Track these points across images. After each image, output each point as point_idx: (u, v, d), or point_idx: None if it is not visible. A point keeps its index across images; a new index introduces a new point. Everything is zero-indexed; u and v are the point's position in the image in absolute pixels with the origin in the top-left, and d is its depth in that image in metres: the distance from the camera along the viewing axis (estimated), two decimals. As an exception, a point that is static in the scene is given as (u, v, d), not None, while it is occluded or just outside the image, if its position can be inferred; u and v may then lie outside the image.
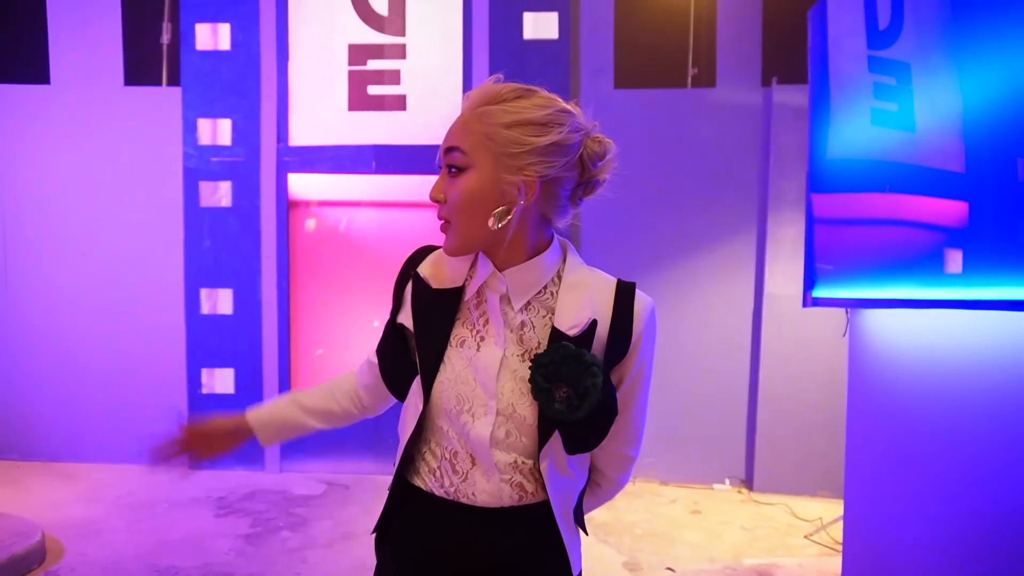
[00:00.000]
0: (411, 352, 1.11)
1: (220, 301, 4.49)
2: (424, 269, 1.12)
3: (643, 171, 4.33)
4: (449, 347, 1.06)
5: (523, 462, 1.04)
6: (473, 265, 1.09)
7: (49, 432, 4.60)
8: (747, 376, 4.35)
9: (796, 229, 4.15)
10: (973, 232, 2.28)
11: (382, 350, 1.17)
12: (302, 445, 4.50)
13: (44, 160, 4.52)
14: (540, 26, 4.32)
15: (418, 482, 1.10)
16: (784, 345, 4.21)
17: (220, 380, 4.50)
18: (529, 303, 1.05)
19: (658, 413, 4.42)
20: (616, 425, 1.08)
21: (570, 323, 1.02)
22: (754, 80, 4.27)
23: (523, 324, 1.04)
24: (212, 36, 4.40)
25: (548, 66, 4.32)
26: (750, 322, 4.32)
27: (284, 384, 4.48)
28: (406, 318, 1.12)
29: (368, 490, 4.25)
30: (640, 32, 5.17)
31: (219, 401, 4.49)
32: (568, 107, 1.07)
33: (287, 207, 4.46)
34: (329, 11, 4.42)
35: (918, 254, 2.64)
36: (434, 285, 1.10)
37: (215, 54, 4.42)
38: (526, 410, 1.02)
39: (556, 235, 1.11)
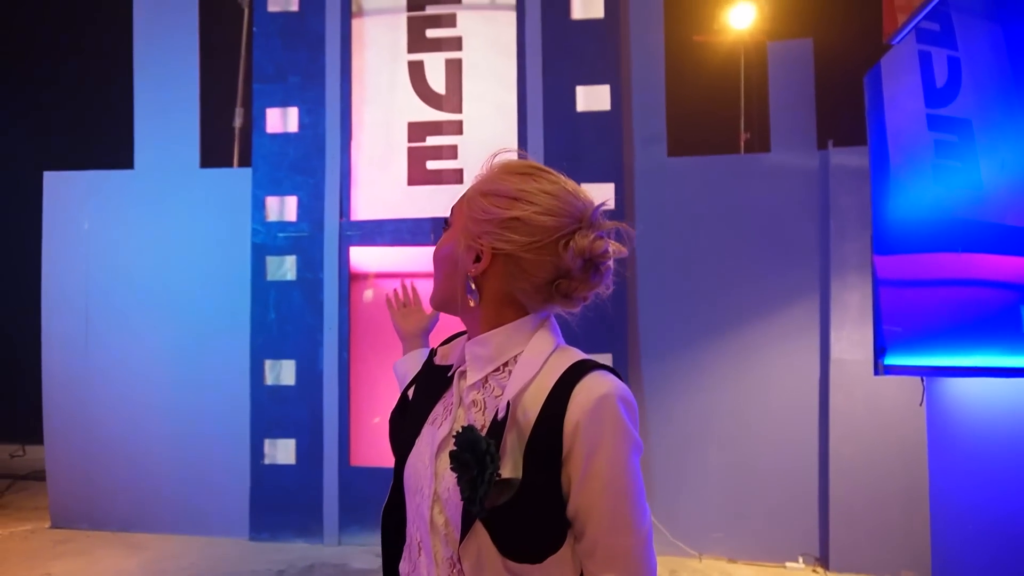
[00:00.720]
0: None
1: (283, 372, 4.59)
2: (441, 348, 1.12)
3: (700, 238, 4.31)
4: (425, 423, 1.04)
5: (459, 560, 0.93)
6: None
7: (118, 502, 4.71)
8: (817, 446, 4.17)
9: (861, 293, 4.03)
10: None
11: (391, 415, 1.17)
12: (360, 517, 4.48)
13: (126, 238, 4.79)
14: (593, 98, 4.43)
15: (400, 565, 1.07)
16: (855, 413, 4.04)
17: (282, 450, 4.56)
18: (487, 380, 0.99)
19: (724, 487, 4.25)
20: (587, 542, 0.92)
21: (501, 405, 0.94)
22: (809, 144, 4.26)
23: (474, 403, 0.98)
24: (281, 120, 4.66)
25: (601, 137, 4.40)
26: (817, 389, 4.17)
27: (344, 455, 4.50)
28: (411, 388, 1.13)
29: (426, 564, 4.17)
30: (692, 100, 5.25)
31: (281, 472, 4.54)
32: (569, 193, 0.98)
33: (349, 279, 4.59)
34: (390, 92, 4.64)
35: (994, 316, 2.52)
36: (437, 361, 1.10)
37: (283, 136, 4.66)
38: (457, 500, 0.92)
39: (538, 315, 1.01)
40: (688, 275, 4.34)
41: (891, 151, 3.56)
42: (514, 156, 1.05)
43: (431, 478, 0.97)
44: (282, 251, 4.63)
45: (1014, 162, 2.95)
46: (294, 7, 4.68)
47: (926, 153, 3.57)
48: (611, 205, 1.06)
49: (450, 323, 1.14)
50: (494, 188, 1.00)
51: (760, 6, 5.45)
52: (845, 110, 3.94)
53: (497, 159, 1.03)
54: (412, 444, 1.03)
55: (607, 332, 4.24)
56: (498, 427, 0.91)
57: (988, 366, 2.16)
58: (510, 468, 0.91)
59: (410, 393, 1.13)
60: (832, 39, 4.43)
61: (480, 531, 0.90)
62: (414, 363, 1.38)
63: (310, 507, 4.51)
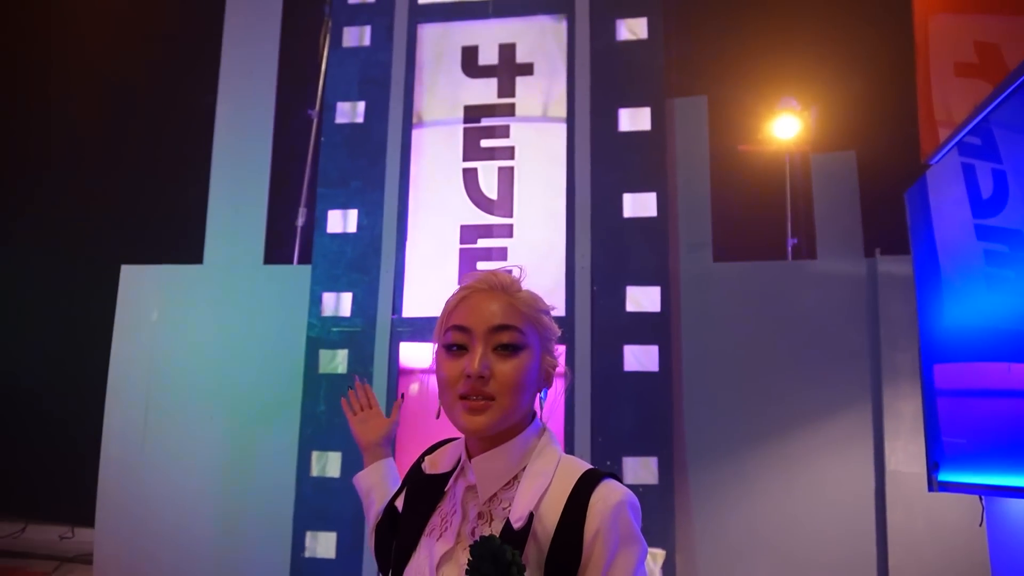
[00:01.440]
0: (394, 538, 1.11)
1: (329, 464, 4.64)
2: (428, 458, 1.15)
3: (747, 343, 4.31)
4: (423, 536, 1.05)
5: None
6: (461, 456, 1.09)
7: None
8: (875, 564, 3.96)
9: (915, 403, 3.93)
10: None
11: (377, 529, 1.20)
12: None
13: (191, 330, 5.03)
14: (639, 205, 4.58)
15: None
16: (915, 529, 3.85)
17: (323, 544, 4.54)
18: (496, 494, 1.02)
19: (776, 603, 4.04)
20: None
21: (517, 515, 0.96)
22: (856, 252, 4.29)
23: (480, 516, 1.01)
24: (342, 220, 4.93)
25: (648, 242, 4.51)
26: (873, 503, 4.01)
27: (384, 552, 4.46)
28: (400, 501, 1.14)
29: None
30: (738, 206, 5.37)
31: (321, 566, 4.51)
32: None
33: (398, 373, 4.69)
34: (444, 196, 4.88)
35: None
36: (427, 471, 1.11)
37: (343, 236, 4.91)
38: None
39: (536, 424, 1.07)
40: (735, 380, 4.31)
41: (941, 261, 3.57)
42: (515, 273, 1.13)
43: None
44: (335, 345, 4.78)
45: None
46: (360, 119, 5.04)
47: (976, 262, 3.57)
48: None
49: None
50: (544, 308, 1.10)
51: (804, 119, 5.63)
52: (891, 220, 3.99)
53: (508, 277, 1.10)
54: (408, 557, 1.05)
55: (654, 436, 4.19)
56: (517, 537, 0.94)
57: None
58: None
59: (398, 504, 1.16)
60: (875, 151, 4.55)
61: None
62: (379, 476, 1.35)
63: (349, 605, 4.44)
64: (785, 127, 5.66)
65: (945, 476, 2.45)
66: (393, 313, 4.75)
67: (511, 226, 4.77)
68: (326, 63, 5.28)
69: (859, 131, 4.89)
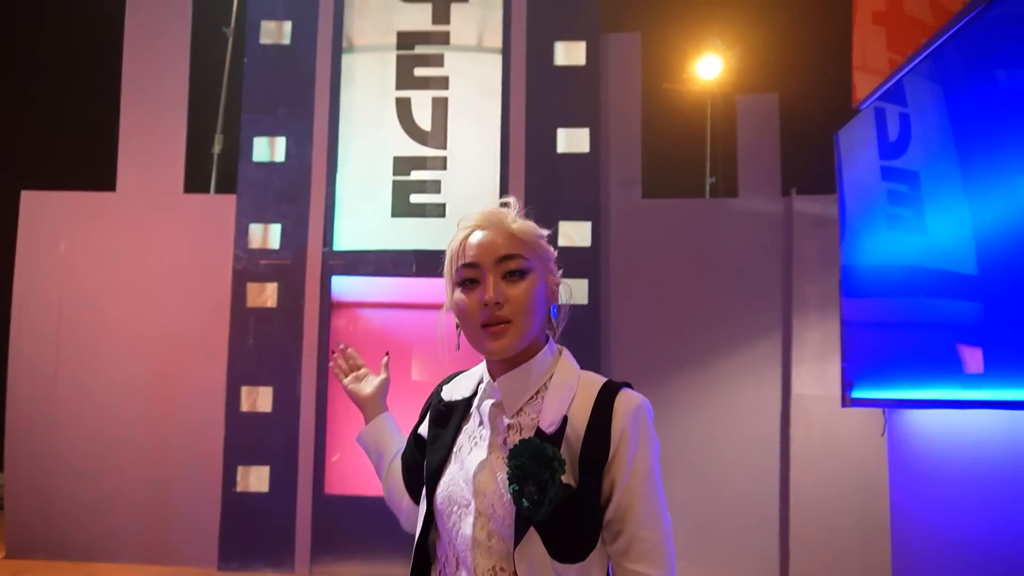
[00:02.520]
0: (423, 460, 1.20)
1: (260, 399, 4.60)
2: (446, 387, 1.24)
3: (671, 276, 4.53)
4: (452, 454, 1.14)
5: (502, 568, 1.04)
6: (481, 379, 1.18)
7: (79, 530, 4.60)
8: (778, 477, 4.37)
9: (821, 332, 4.29)
10: (991, 332, 2.42)
11: (404, 456, 1.29)
12: (333, 547, 4.48)
13: (104, 262, 4.76)
14: (572, 141, 4.65)
15: None
16: (814, 446, 4.26)
17: (255, 478, 4.54)
18: (522, 408, 1.11)
19: (688, 516, 4.41)
20: (625, 537, 1.05)
21: (548, 421, 1.06)
22: (774, 191, 4.54)
23: (510, 427, 1.09)
24: (269, 148, 4.74)
25: (580, 178, 4.61)
26: (779, 423, 4.39)
27: (319, 484, 4.52)
28: (424, 429, 1.24)
29: (401, 592, 4.20)
30: (660, 146, 5.53)
31: (253, 499, 4.51)
32: None
33: (330, 308, 4.65)
34: (376, 127, 4.77)
35: (940, 354, 2.77)
36: (446, 398, 1.22)
37: (270, 165, 4.74)
38: (505, 510, 1.04)
39: (551, 344, 1.16)
40: (658, 311, 4.54)
41: (850, 201, 3.85)
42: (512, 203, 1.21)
43: (471, 498, 1.08)
44: (264, 278, 4.67)
45: (953, 212, 3.25)
46: (286, 40, 4.80)
47: (881, 202, 3.87)
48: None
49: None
50: (540, 233, 1.17)
51: (727, 59, 5.79)
52: (807, 160, 4.23)
53: (504, 210, 1.17)
54: (440, 474, 1.14)
55: (580, 362, 4.38)
56: (551, 439, 1.04)
57: (937, 399, 2.39)
58: (567, 474, 1.04)
59: (422, 432, 1.24)
60: (794, 93, 4.76)
61: (533, 537, 1.01)
62: (382, 431, 1.42)
63: (282, 536, 4.49)
64: (708, 67, 5.80)
65: (857, 393, 2.73)
66: (324, 246, 4.67)
67: (445, 158, 4.74)
68: (247, -22, 4.93)
69: (780, 74, 5.10)
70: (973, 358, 2.59)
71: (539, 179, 4.64)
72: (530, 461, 0.99)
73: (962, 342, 2.71)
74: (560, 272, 1.21)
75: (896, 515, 2.70)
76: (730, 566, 4.37)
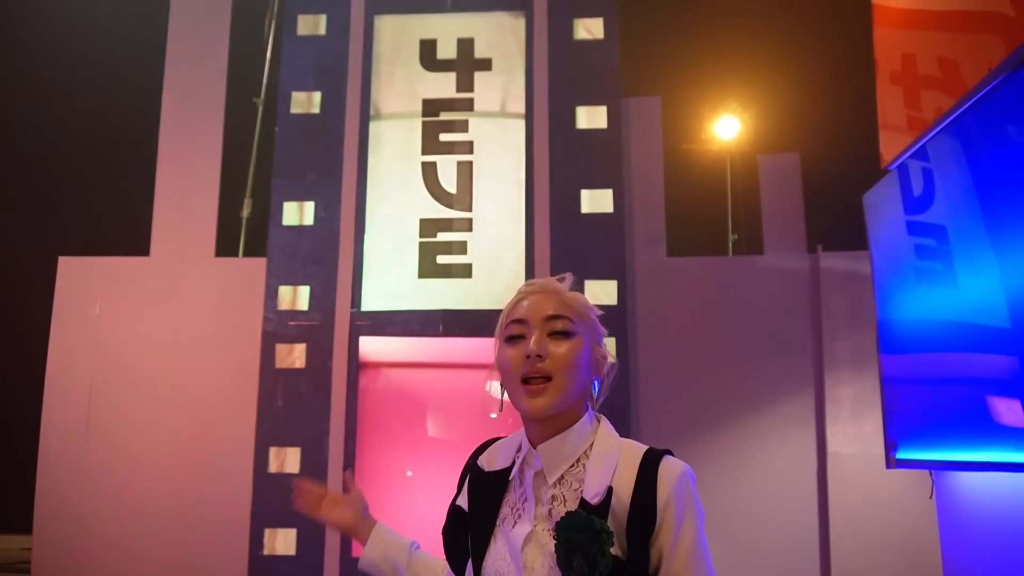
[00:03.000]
0: (466, 534, 1.19)
1: (288, 459, 4.59)
2: (483, 456, 1.24)
3: (698, 334, 4.52)
4: (496, 527, 1.14)
5: None
6: (519, 448, 1.19)
7: (106, 595, 4.56)
8: (817, 540, 4.25)
9: (854, 388, 4.24)
10: None
11: (445, 531, 1.26)
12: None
13: (136, 325, 4.85)
14: (596, 202, 4.72)
15: None
16: (854, 506, 4.16)
17: (282, 541, 4.50)
18: (563, 477, 1.11)
19: (726, 579, 4.28)
20: None
21: (593, 492, 1.06)
22: (800, 248, 4.56)
23: (554, 498, 1.10)
24: (298, 212, 4.85)
25: (605, 238, 4.66)
26: (815, 482, 4.30)
27: (347, 546, 4.46)
28: (463, 500, 1.22)
29: (430, 662, 4.09)
30: (682, 204, 5.59)
31: (280, 563, 4.46)
32: None
33: (358, 368, 4.67)
34: (403, 190, 4.88)
35: (981, 412, 2.72)
36: (487, 469, 1.21)
37: (299, 228, 4.84)
38: None
39: (591, 409, 1.20)
40: (686, 370, 4.52)
41: (881, 258, 3.85)
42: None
43: (518, 571, 1.07)
44: (292, 339, 4.72)
45: (982, 264, 3.25)
46: (315, 109, 4.97)
47: (910, 257, 3.87)
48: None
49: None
50: (592, 307, 1.24)
51: (744, 120, 5.90)
52: (834, 215, 4.26)
53: (569, 280, 1.24)
54: (485, 548, 1.13)
55: (613, 425, 4.34)
56: (597, 511, 1.04)
57: (983, 461, 2.34)
58: (614, 547, 1.03)
59: (462, 503, 1.23)
60: (814, 151, 4.83)
61: None
62: (384, 542, 1.36)
63: (309, 601, 4.42)
64: (727, 128, 5.91)
65: (902, 454, 2.68)
66: (352, 306, 4.73)
67: (471, 220, 4.82)
68: (281, 51, 5.14)
69: (798, 133, 5.18)
70: (1014, 413, 2.55)
71: (564, 239, 4.69)
72: (578, 534, 0.99)
73: (1000, 396, 2.67)
74: (606, 351, 1.24)
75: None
76: (769, 634, 4.22)
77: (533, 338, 1.13)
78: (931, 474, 2.75)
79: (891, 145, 3.15)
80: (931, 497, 2.74)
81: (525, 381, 1.12)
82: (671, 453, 1.16)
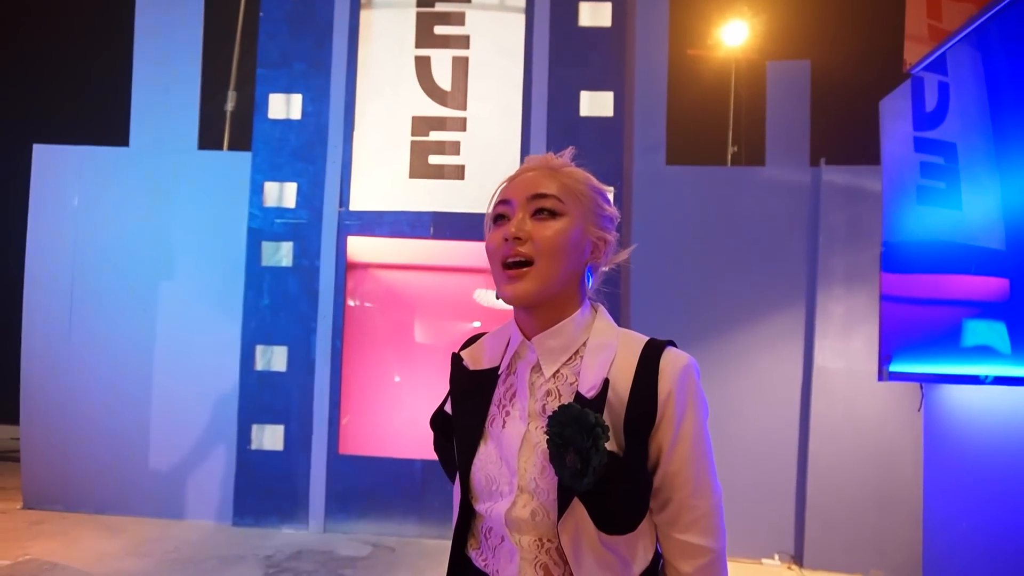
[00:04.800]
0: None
1: (275, 358, 4.58)
2: (466, 353, 1.13)
3: (694, 244, 4.46)
4: (485, 428, 1.05)
5: (548, 541, 0.98)
6: (508, 343, 1.09)
7: (95, 484, 4.63)
8: (796, 449, 4.35)
9: (845, 305, 4.23)
10: (1015, 305, 2.37)
11: (435, 444, 1.18)
12: (346, 505, 4.49)
13: (117, 217, 4.71)
14: (596, 104, 4.54)
15: (470, 553, 1.09)
16: (834, 418, 4.23)
17: (270, 436, 4.54)
18: (558, 371, 1.03)
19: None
20: (673, 506, 0.99)
21: (588, 385, 0.98)
22: (802, 160, 4.44)
23: (548, 393, 1.02)
24: (285, 105, 4.65)
25: (603, 142, 4.51)
26: (799, 394, 4.35)
27: (333, 443, 4.51)
28: (449, 405, 1.13)
29: (415, 553, 4.22)
30: (683, 112, 5.40)
31: (267, 458, 4.52)
32: None
33: (345, 268, 4.60)
34: (395, 85, 4.67)
35: (972, 332, 2.72)
36: (471, 367, 1.10)
37: (285, 122, 4.65)
38: (548, 484, 0.97)
39: (587, 302, 1.08)
40: (680, 279, 4.48)
41: (890, 173, 3.75)
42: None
43: (511, 475, 1.00)
44: (279, 237, 4.62)
45: (986, 186, 3.17)
46: (303, -6, 4.68)
47: (913, 175, 3.78)
48: None
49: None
50: (596, 186, 1.09)
51: (753, 25, 5.63)
52: (839, 129, 4.13)
53: (557, 157, 1.08)
54: (473, 453, 1.05)
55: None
56: (593, 404, 0.96)
57: (973, 374, 2.34)
58: (611, 441, 0.95)
59: (447, 407, 1.14)
60: (824, 60, 4.63)
61: (577, 509, 0.94)
62: None
63: (296, 494, 4.51)
64: (734, 33, 5.65)
65: (895, 367, 2.68)
66: (341, 206, 4.61)
67: (465, 119, 4.64)
68: (264, -72, 4.78)
69: (807, 41, 4.96)
70: (998, 334, 2.54)
71: (561, 143, 4.52)
72: (571, 428, 0.91)
73: (990, 318, 2.66)
74: (615, 236, 1.10)
75: (929, 491, 2.67)
76: (745, 535, 4.37)
77: (515, 218, 1.02)
78: (921, 387, 2.76)
79: (913, 56, 3.00)
80: (919, 409, 2.76)
81: (506, 266, 1.01)
82: (674, 345, 1.04)
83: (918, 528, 3.93)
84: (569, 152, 1.11)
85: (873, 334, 4.14)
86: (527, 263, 0.99)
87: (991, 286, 2.89)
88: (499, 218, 1.05)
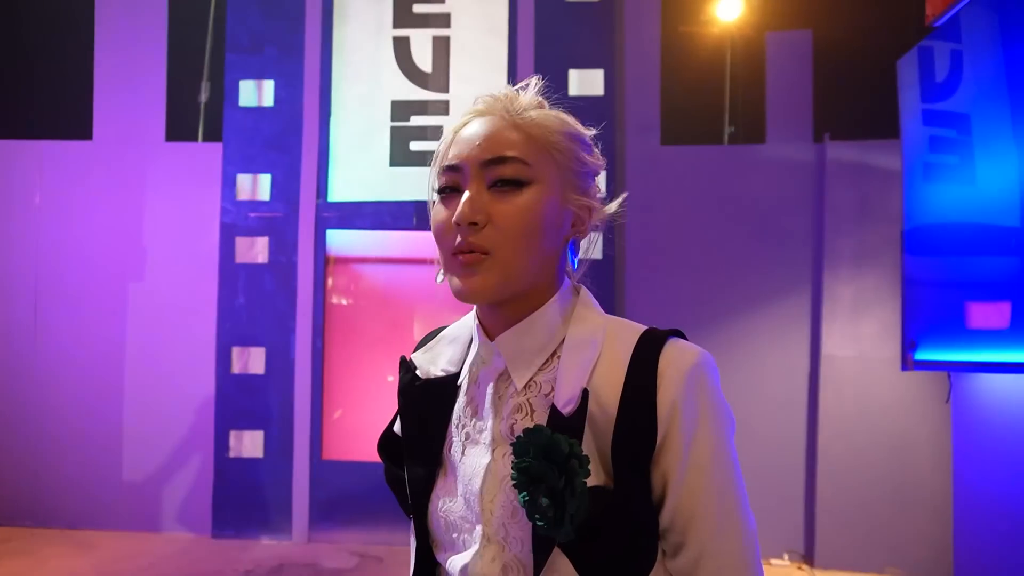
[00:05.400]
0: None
1: (252, 360, 4.33)
2: (418, 356, 0.88)
3: (692, 227, 4.23)
4: (443, 457, 0.82)
5: None
6: (471, 342, 0.85)
7: (66, 498, 4.38)
8: (805, 442, 4.12)
9: (854, 287, 4.00)
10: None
11: (385, 468, 0.92)
12: (331, 513, 4.25)
13: (82, 213, 4.45)
14: (586, 83, 4.30)
15: None
16: (844, 410, 4.00)
17: (249, 443, 4.30)
18: (532, 379, 0.78)
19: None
20: (689, 552, 0.74)
21: (565, 397, 0.74)
22: (805, 136, 4.20)
23: (518, 408, 0.77)
24: (256, 93, 4.39)
25: (594, 123, 4.25)
26: (806, 384, 4.12)
27: (316, 448, 4.27)
28: (398, 426, 0.88)
29: (404, 563, 3.98)
30: (682, 92, 5.16)
31: (247, 465, 4.28)
32: None
33: (325, 263, 4.35)
34: (373, 69, 4.41)
35: (997, 316, 2.50)
36: (423, 375, 0.85)
37: (258, 110, 4.39)
38: (522, 531, 0.74)
39: (565, 285, 0.84)
40: (678, 263, 4.24)
41: (919, 142, 3.51)
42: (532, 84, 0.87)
43: (474, 520, 0.77)
44: (253, 232, 4.36)
45: (1007, 161, 2.94)
46: (272, -27, 4.42)
47: (922, 151, 3.54)
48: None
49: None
50: (575, 131, 0.85)
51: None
52: (843, 102, 3.89)
53: (520, 94, 0.83)
54: (430, 488, 0.81)
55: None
56: (571, 424, 0.72)
57: (1000, 362, 2.13)
58: (596, 470, 0.73)
59: (396, 428, 0.89)
60: (826, 30, 4.39)
61: (559, 561, 0.72)
62: None
63: (278, 503, 4.27)
64: (729, 8, 5.41)
65: (921, 355, 2.46)
66: (318, 197, 4.35)
67: (447, 102, 4.39)
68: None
69: (807, 11, 4.71)
70: (1003, 316, 2.33)
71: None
72: (538, 462, 0.69)
73: (1004, 300, 2.44)
74: (602, 196, 0.84)
75: (960, 485, 2.44)
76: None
77: (465, 195, 0.75)
78: (949, 376, 2.53)
79: (936, 8, 2.77)
80: (948, 401, 2.53)
81: (458, 252, 0.76)
82: (681, 335, 0.80)
83: (938, 524, 3.70)
84: (535, 85, 0.86)
85: (885, 318, 3.90)
86: (484, 252, 0.75)
87: (1009, 266, 2.67)
88: (446, 191, 0.79)
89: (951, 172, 3.38)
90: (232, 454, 4.29)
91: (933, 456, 3.76)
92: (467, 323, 0.88)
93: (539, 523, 0.69)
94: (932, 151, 3.56)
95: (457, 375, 0.83)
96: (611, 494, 0.71)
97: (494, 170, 0.76)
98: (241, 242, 4.36)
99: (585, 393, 0.73)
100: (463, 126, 0.81)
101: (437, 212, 0.80)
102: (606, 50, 4.33)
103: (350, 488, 4.24)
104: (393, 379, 4.78)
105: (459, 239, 0.75)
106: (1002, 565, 2.16)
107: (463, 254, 0.75)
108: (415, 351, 0.90)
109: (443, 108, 4.38)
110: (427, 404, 0.83)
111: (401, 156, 4.38)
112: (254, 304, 4.34)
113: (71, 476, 4.39)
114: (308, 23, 4.38)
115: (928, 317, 2.51)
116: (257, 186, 4.38)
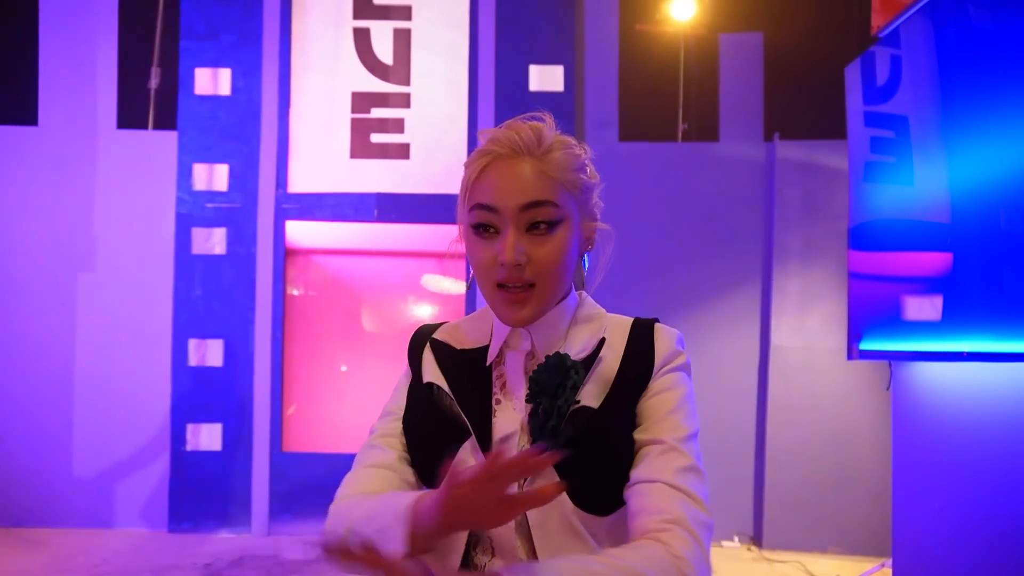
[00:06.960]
0: (447, 414, 0.94)
1: (209, 352, 4.28)
2: (441, 334, 1.01)
3: (647, 223, 4.34)
4: (493, 412, 0.94)
5: (520, 524, 0.89)
6: (492, 331, 0.98)
7: (14, 494, 4.25)
8: (754, 429, 4.30)
9: (802, 282, 4.18)
10: (956, 280, 2.32)
11: (409, 421, 0.98)
12: (291, 506, 4.25)
13: (26, 203, 4.31)
14: (546, 78, 4.36)
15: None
16: (791, 398, 4.18)
17: (207, 436, 4.25)
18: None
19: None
20: (649, 458, 0.88)
21: (578, 349, 0.92)
22: (756, 135, 4.36)
23: None
24: (212, 81, 4.32)
25: (554, 118, 4.33)
26: (756, 374, 4.30)
27: (276, 442, 4.25)
28: (435, 377, 0.96)
29: (366, 553, 4.01)
30: (637, 90, 5.28)
31: (204, 459, 4.23)
32: None
33: (284, 255, 4.32)
34: (333, 59, 4.39)
35: (931, 307, 2.67)
36: (457, 347, 0.99)
37: (214, 99, 4.32)
38: (543, 480, 0.85)
39: (571, 289, 1.03)
40: (632, 258, 4.35)
41: (854, 142, 3.68)
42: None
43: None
44: (210, 223, 4.30)
45: (934, 160, 3.13)
46: (229, -41, 4.34)
47: (863, 152, 3.73)
48: None
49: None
50: (584, 162, 0.97)
51: (703, 1, 5.53)
52: (792, 103, 4.05)
53: (534, 131, 0.95)
54: (489, 424, 0.92)
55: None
56: (586, 361, 0.90)
57: (944, 351, 2.28)
58: (593, 396, 0.89)
59: (437, 381, 0.96)
60: (776, 33, 4.55)
61: (549, 476, 0.85)
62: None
63: (237, 496, 4.24)
64: (682, 8, 5.54)
65: (865, 345, 2.61)
66: (277, 188, 4.32)
67: (408, 95, 4.40)
68: None
69: (760, 13, 4.87)
70: (936, 308, 2.50)
71: (510, 119, 4.34)
72: (546, 374, 0.86)
73: (935, 293, 2.62)
74: (599, 207, 1.02)
75: (899, 470, 2.60)
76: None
77: (508, 239, 0.88)
78: (890, 365, 2.70)
79: (881, 19, 2.93)
80: (888, 388, 2.70)
81: (501, 286, 0.90)
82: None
83: (877, 506, 3.92)
84: (549, 121, 0.99)
85: (831, 311, 4.09)
86: (529, 285, 0.90)
87: (939, 261, 2.85)
88: (482, 227, 0.90)
89: (891, 171, 3.57)
90: (189, 447, 4.24)
91: (873, 441, 3.98)
92: (479, 317, 1.02)
93: (536, 428, 0.85)
94: (873, 151, 3.75)
95: (486, 347, 0.97)
96: (595, 414, 0.88)
97: (530, 213, 0.89)
98: (198, 233, 4.29)
99: (602, 341, 0.93)
100: (489, 164, 0.91)
101: (476, 247, 0.92)
102: (566, 46, 4.40)
103: (311, 479, 4.24)
104: (347, 370, 4.79)
105: (502, 274, 0.89)
106: (935, 543, 2.33)
107: (508, 290, 0.89)
108: (426, 333, 1.03)
109: (404, 101, 4.39)
110: (467, 368, 0.96)
111: (362, 148, 4.37)
112: (211, 296, 4.28)
113: (18, 472, 4.26)
114: (266, 12, 4.33)
115: (870, 309, 2.67)
116: (214, 176, 4.31)
